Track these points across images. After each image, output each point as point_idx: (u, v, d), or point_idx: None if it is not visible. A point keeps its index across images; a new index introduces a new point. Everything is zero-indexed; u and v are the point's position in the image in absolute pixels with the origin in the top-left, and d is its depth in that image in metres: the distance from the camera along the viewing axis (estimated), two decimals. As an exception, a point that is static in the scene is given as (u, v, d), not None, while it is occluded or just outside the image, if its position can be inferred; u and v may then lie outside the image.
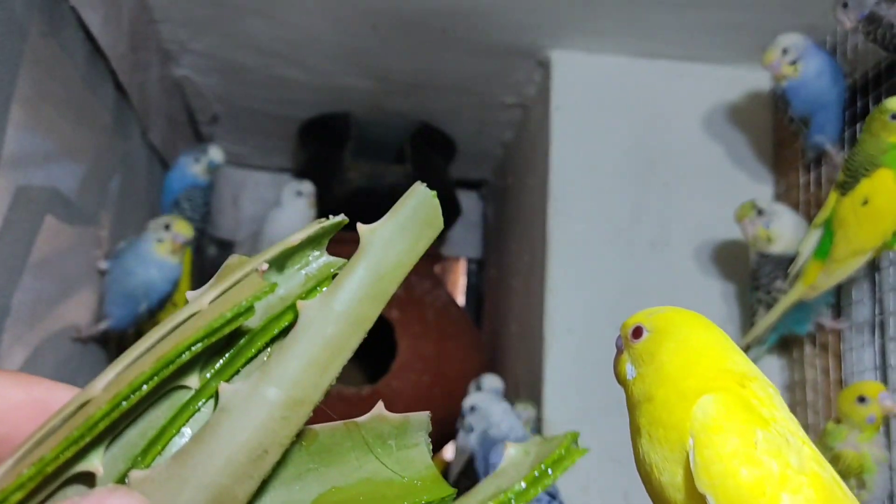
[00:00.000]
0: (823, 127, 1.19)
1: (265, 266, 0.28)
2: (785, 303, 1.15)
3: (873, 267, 1.16)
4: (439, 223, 0.29)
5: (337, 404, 1.47)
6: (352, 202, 1.62)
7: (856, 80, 1.20)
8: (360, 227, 0.28)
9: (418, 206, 0.29)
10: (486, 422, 1.02)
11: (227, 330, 0.26)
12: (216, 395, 0.27)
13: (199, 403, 0.27)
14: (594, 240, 1.34)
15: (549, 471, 0.27)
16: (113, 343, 1.24)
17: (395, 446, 0.29)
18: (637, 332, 0.48)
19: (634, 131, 1.39)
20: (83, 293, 1.15)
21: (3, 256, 0.89)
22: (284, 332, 0.28)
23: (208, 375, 0.27)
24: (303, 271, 0.29)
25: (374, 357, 1.66)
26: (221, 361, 0.28)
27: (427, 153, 1.72)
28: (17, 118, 0.90)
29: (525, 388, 1.38)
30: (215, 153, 1.42)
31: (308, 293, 0.29)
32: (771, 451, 0.42)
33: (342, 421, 0.29)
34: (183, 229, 1.17)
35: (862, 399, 1.00)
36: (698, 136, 1.39)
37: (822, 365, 1.22)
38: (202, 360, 0.27)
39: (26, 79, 0.91)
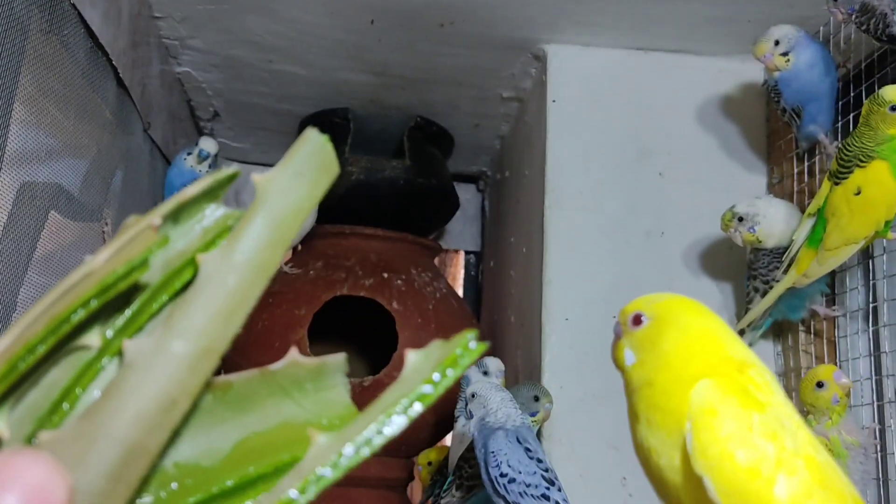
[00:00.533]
0: (816, 117, 1.20)
1: (158, 221, 0.27)
2: (777, 290, 1.17)
3: (867, 255, 1.18)
4: (334, 167, 0.29)
5: (338, 395, 1.48)
6: (351, 196, 1.64)
7: (849, 71, 1.21)
8: (254, 176, 0.28)
9: (312, 151, 0.28)
10: (483, 409, 1.04)
11: (121, 286, 0.26)
12: (121, 353, 0.26)
13: (104, 361, 0.27)
14: (590, 230, 1.35)
15: (449, 371, 0.27)
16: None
17: (313, 389, 0.29)
18: (637, 320, 0.49)
19: (630, 123, 1.40)
20: (87, 287, 1.17)
21: (7, 252, 0.91)
22: (186, 286, 0.28)
23: (110, 334, 0.27)
24: (199, 225, 0.29)
25: (375, 349, 1.67)
26: (123, 319, 0.28)
27: (425, 147, 1.73)
28: (20, 115, 0.92)
29: (524, 376, 1.40)
30: (205, 143, 1.44)
31: (206, 246, 0.29)
32: (767, 434, 0.42)
33: (257, 369, 0.29)
34: None
35: (820, 384, 1.02)
36: (693, 127, 1.41)
37: (816, 352, 1.23)
38: (102, 318, 0.27)
39: (28, 76, 0.93)
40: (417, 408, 0.27)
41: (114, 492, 0.25)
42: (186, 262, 0.28)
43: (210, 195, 0.29)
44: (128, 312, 0.28)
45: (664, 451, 0.44)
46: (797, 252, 1.14)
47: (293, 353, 0.29)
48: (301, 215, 0.28)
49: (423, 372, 0.27)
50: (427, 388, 0.27)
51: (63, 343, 0.26)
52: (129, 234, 0.28)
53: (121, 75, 1.23)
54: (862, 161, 1.03)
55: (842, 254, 1.08)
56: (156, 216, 0.28)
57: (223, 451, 0.28)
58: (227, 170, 0.29)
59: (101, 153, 1.20)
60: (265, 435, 0.28)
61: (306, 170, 0.28)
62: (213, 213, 0.29)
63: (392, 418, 0.26)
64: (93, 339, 0.27)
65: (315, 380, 0.29)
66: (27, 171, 0.96)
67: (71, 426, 0.26)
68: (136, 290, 0.27)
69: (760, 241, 1.20)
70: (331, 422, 0.29)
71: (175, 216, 0.28)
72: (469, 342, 0.27)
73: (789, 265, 1.16)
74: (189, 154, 1.44)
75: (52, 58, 1.01)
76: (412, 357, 0.28)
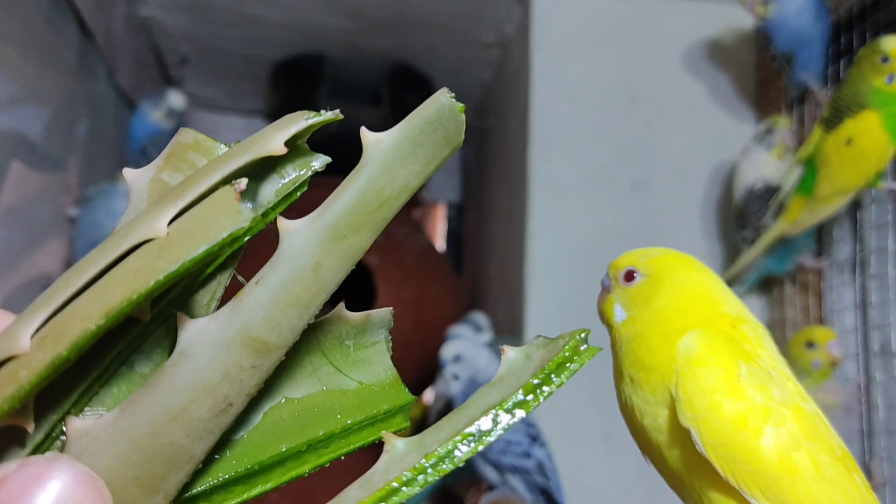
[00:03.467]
0: (807, 64, 1.17)
1: (244, 184, 0.23)
2: (767, 238, 1.15)
3: (855, 205, 1.16)
4: (460, 139, 0.24)
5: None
6: (327, 146, 1.59)
7: (840, 16, 1.18)
8: (365, 134, 0.23)
9: (439, 117, 0.23)
10: (472, 368, 1.02)
11: (194, 271, 0.22)
12: (174, 331, 0.22)
13: (150, 336, 0.23)
14: (575, 181, 1.32)
15: (554, 376, 0.24)
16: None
17: (353, 346, 0.26)
18: (629, 276, 0.47)
19: (616, 70, 1.36)
20: (53, 241, 1.12)
21: (-34, 204, 0.86)
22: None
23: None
24: (281, 179, 0.25)
25: (353, 303, 1.65)
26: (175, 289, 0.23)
27: (404, 94, 1.68)
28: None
29: (506, 330, 1.38)
30: (175, 98, 1.37)
31: (282, 202, 0.24)
32: (754, 385, 0.42)
33: None
34: None
35: (810, 344, 1.01)
36: (681, 74, 1.37)
37: (802, 304, 1.22)
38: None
39: (-17, 17, 0.87)
40: (515, 417, 0.23)
41: (147, 502, 0.21)
42: (257, 220, 0.23)
43: (297, 143, 0.24)
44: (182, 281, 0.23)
45: (648, 410, 0.43)
46: (785, 199, 1.12)
47: (340, 308, 0.26)
48: (408, 193, 0.24)
49: (523, 375, 0.24)
50: (528, 397, 0.24)
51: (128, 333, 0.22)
52: (196, 179, 0.22)
53: (84, 18, 1.17)
54: (852, 110, 1.01)
55: (833, 204, 1.06)
56: (238, 172, 0.22)
57: (254, 422, 0.24)
58: (326, 114, 0.24)
59: (65, 100, 1.14)
60: (298, 403, 0.25)
61: (427, 140, 0.23)
62: (295, 163, 0.25)
63: (483, 430, 0.23)
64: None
65: (357, 335, 0.26)
66: (-16, 119, 0.91)
67: (108, 421, 0.21)
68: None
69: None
70: (369, 388, 0.26)
71: (257, 171, 0.23)
72: (580, 345, 0.24)
73: (778, 211, 1.14)
74: (156, 106, 1.37)
75: (11, 0, 0.95)
76: (511, 356, 0.24)
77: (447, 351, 1.04)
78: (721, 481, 0.41)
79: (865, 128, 1.00)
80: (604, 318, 0.48)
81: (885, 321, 1.08)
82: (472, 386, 1.01)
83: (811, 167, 1.08)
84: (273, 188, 0.24)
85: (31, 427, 0.21)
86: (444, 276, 1.60)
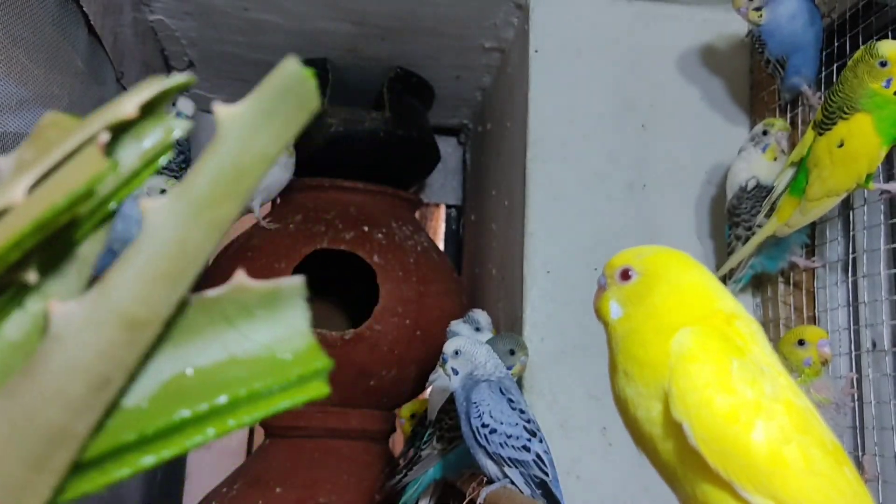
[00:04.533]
0: (800, 68, 1.20)
1: (106, 136, 0.23)
2: (759, 237, 1.17)
3: (847, 205, 1.18)
4: (313, 102, 0.24)
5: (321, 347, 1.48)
6: (330, 148, 1.62)
7: (833, 21, 1.20)
8: (217, 109, 0.24)
9: (288, 84, 0.24)
10: (471, 364, 1.04)
11: (62, 220, 0.22)
12: (45, 316, 0.22)
13: (28, 312, 0.23)
14: (572, 183, 1.35)
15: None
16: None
17: (264, 315, 0.25)
18: (625, 274, 0.48)
19: (613, 74, 1.39)
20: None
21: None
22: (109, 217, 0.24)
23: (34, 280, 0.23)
24: (142, 142, 0.25)
25: (356, 301, 1.67)
26: (53, 271, 0.23)
27: (405, 99, 1.71)
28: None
29: (505, 329, 1.40)
30: (184, 105, 1.39)
31: (145, 168, 0.24)
32: (746, 380, 0.42)
33: (194, 294, 0.25)
34: None
35: (801, 343, 1.03)
36: (676, 78, 1.40)
37: (795, 303, 1.24)
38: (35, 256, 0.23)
39: (-4, 22, 0.89)
40: None
41: (37, 482, 0.22)
42: (120, 186, 0.24)
43: (154, 106, 0.25)
44: (46, 252, 0.23)
45: (641, 403, 0.44)
46: (778, 199, 1.15)
47: (239, 276, 0.25)
48: (266, 161, 0.24)
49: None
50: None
51: None
52: (59, 143, 0.22)
53: (92, 23, 1.19)
54: (846, 112, 1.03)
55: (824, 205, 1.08)
56: (102, 131, 0.23)
57: (150, 389, 0.24)
58: (176, 78, 0.25)
59: (73, 103, 1.17)
60: (204, 371, 0.24)
61: (279, 107, 0.24)
62: (155, 127, 0.25)
63: None
64: (30, 277, 0.23)
65: (267, 306, 0.25)
66: (-3, 121, 0.94)
67: None
68: (74, 223, 0.23)
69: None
70: (282, 355, 0.25)
71: (115, 130, 0.24)
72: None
73: (770, 211, 1.16)
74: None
75: (20, 4, 0.97)
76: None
77: (448, 346, 1.06)
78: (712, 474, 0.41)
79: (857, 130, 1.02)
80: (600, 315, 0.49)
81: (875, 320, 1.10)
82: (472, 381, 1.03)
83: (803, 169, 1.10)
84: (135, 154, 0.24)
85: None
86: (445, 274, 1.62)
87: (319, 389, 0.26)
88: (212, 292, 0.25)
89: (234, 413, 0.25)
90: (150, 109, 0.24)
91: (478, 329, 1.27)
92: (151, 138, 0.25)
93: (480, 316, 1.30)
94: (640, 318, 0.46)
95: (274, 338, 0.25)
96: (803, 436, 0.42)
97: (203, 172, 0.23)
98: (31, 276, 0.23)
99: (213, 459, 1.95)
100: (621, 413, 0.47)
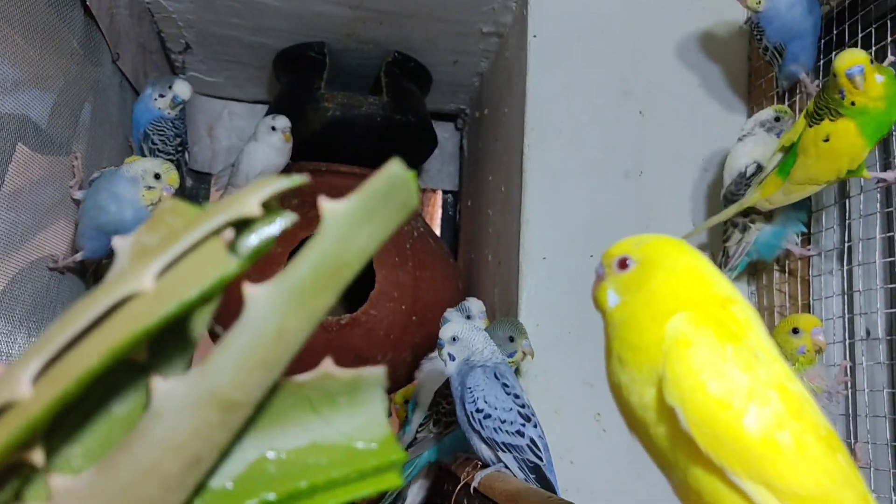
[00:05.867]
0: (798, 56, 1.19)
1: (231, 235, 0.24)
2: (739, 206, 1.18)
3: (843, 194, 1.18)
4: (413, 203, 0.26)
5: (316, 332, 1.47)
6: (327, 132, 1.61)
7: (832, 8, 1.20)
8: (322, 203, 0.25)
9: (392, 185, 0.25)
10: (468, 350, 1.04)
11: (184, 313, 0.23)
12: (148, 392, 0.23)
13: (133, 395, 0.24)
14: (569, 169, 1.35)
15: None
16: (90, 271, 1.24)
17: (346, 403, 0.26)
18: (623, 263, 0.48)
19: (610, 61, 1.38)
20: (59, 223, 1.15)
21: (-25, 183, 0.89)
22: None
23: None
24: (253, 235, 0.26)
25: (352, 286, 1.67)
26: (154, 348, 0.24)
27: (403, 83, 1.70)
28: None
29: (501, 315, 1.41)
30: (181, 88, 1.38)
31: (252, 257, 0.25)
32: (740, 365, 0.43)
33: (284, 378, 0.26)
34: (174, 181, 1.13)
35: (796, 331, 1.04)
36: (674, 65, 1.39)
37: (790, 291, 1.25)
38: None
39: (-9, 2, 0.89)
40: None
41: None
42: (227, 277, 0.24)
43: (271, 206, 0.25)
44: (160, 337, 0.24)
45: (634, 389, 0.44)
46: (765, 177, 1.15)
47: (327, 364, 0.26)
48: (365, 256, 0.25)
49: None
50: None
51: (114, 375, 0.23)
52: (182, 234, 0.23)
53: (88, 4, 1.19)
54: (832, 116, 1.04)
55: (805, 190, 1.09)
56: (226, 224, 0.24)
57: (236, 470, 0.25)
58: (294, 178, 0.26)
59: (69, 84, 1.16)
60: (286, 456, 0.25)
61: (381, 206, 0.25)
62: (265, 223, 0.26)
63: None
64: (141, 356, 0.24)
65: (349, 393, 0.26)
66: (-8, 102, 0.93)
67: (88, 478, 0.23)
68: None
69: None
70: (361, 444, 0.26)
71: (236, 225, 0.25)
72: None
73: (756, 187, 1.17)
74: (161, 96, 1.38)
75: (14, -17, 0.97)
76: None
77: (445, 332, 1.06)
78: (704, 459, 0.41)
79: (843, 132, 1.03)
80: (597, 304, 0.49)
81: (870, 308, 1.10)
82: (468, 367, 1.03)
83: (792, 152, 1.11)
84: (246, 244, 0.26)
85: (40, 460, 0.23)
86: (441, 260, 1.62)
87: (395, 481, 0.27)
88: (300, 378, 0.26)
89: (312, 498, 0.25)
90: (266, 206, 0.25)
91: (468, 317, 1.27)
92: (262, 233, 0.26)
93: (473, 304, 1.29)
94: (637, 305, 0.46)
95: (354, 427, 0.26)
96: (797, 421, 0.42)
97: (305, 263, 0.24)
98: (142, 356, 0.24)
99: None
100: (616, 399, 0.47)
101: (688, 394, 0.42)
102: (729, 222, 1.24)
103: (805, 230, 1.21)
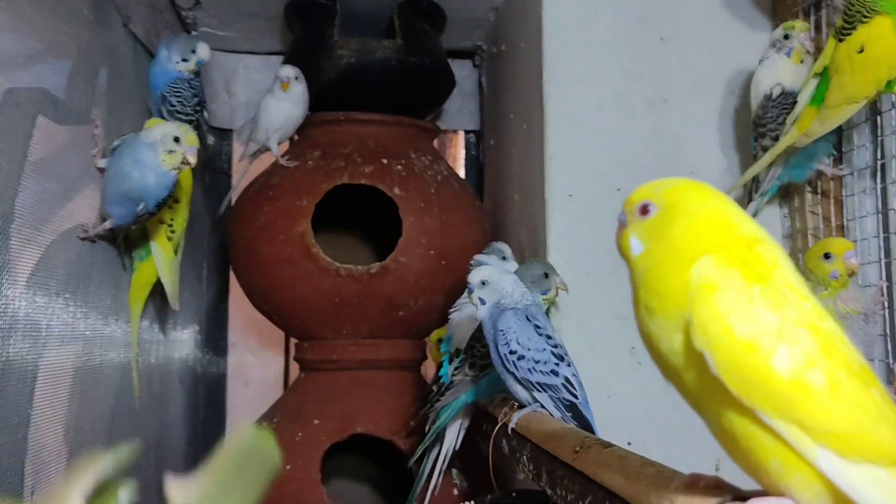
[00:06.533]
0: (823, -33, 1.15)
1: None
2: (778, 148, 1.15)
3: (874, 111, 1.15)
4: (274, 460, 0.26)
5: (348, 283, 1.50)
6: (343, 81, 1.59)
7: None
8: (169, 493, 0.24)
9: (245, 452, 0.25)
10: (497, 293, 1.04)
11: None
12: None
13: None
14: (591, 102, 1.32)
15: None
16: (120, 238, 1.25)
17: None
18: (644, 209, 0.48)
19: (628, -14, 1.34)
20: (85, 192, 1.15)
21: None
22: None
23: None
24: None
25: (380, 235, 1.68)
26: None
27: (416, 24, 1.67)
28: (-6, 18, 0.88)
29: (529, 254, 1.40)
30: (204, 51, 1.37)
31: None
32: (768, 306, 0.42)
33: None
34: (194, 142, 1.13)
35: (827, 256, 1.02)
36: (694, -15, 1.35)
37: (823, 212, 1.23)
38: None
39: (-4, -25, 0.88)
40: None
41: None
42: None
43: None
44: None
45: (663, 336, 0.45)
46: (799, 111, 1.12)
47: None
48: None
49: None
50: None
51: None
52: None
53: (93, -33, 1.17)
54: (865, 16, 1.00)
55: (843, 112, 1.06)
56: None
57: None
58: (120, 453, 0.25)
59: (83, 53, 1.16)
60: None
61: (238, 473, 0.24)
62: None
63: None
64: None
65: None
66: (8, 78, 0.93)
67: None
68: None
69: None
70: None
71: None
72: None
73: (791, 125, 1.14)
74: (184, 60, 1.36)
75: (18, -47, 0.95)
76: None
77: (474, 276, 1.06)
78: (735, 402, 0.42)
79: (878, 33, 0.99)
80: (621, 251, 0.49)
81: (905, 225, 1.08)
82: (499, 310, 1.03)
83: (825, 78, 1.08)
84: None
85: None
86: (466, 203, 1.62)
87: None
88: None
89: None
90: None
91: (504, 258, 1.28)
92: None
93: (503, 246, 1.30)
94: (661, 252, 0.46)
95: None
96: (828, 359, 0.42)
97: None
98: None
99: (251, 394, 2.00)
100: (647, 347, 0.47)
101: (715, 338, 0.42)
102: (759, 147, 1.21)
103: (834, 152, 1.19)
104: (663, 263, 0.46)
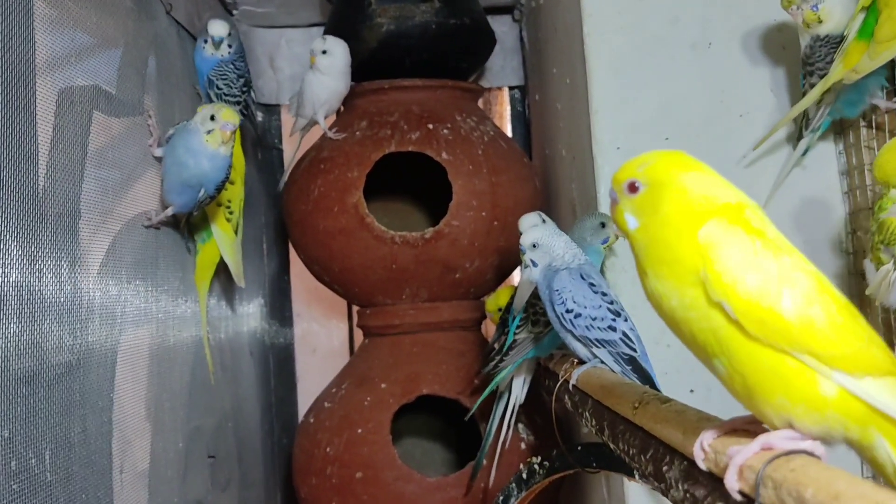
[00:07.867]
0: None
1: None
2: (824, 84, 1.12)
3: (929, 38, 1.11)
4: None
5: (404, 249, 1.52)
6: (384, 48, 1.60)
7: None
8: None
9: None
10: (549, 256, 1.05)
11: None
12: None
13: None
14: (633, 51, 1.30)
15: None
16: (182, 223, 1.30)
17: None
18: (632, 187, 0.53)
19: (665, -72, 1.31)
20: (146, 181, 1.20)
21: (61, 163, 0.93)
22: None
23: None
24: None
25: (433, 199, 1.69)
26: None
27: (454, -15, 1.66)
28: (43, 13, 0.91)
29: (581, 209, 1.40)
30: (213, 27, 1.39)
31: None
32: (769, 256, 0.49)
33: None
34: (230, 117, 1.15)
35: None
36: (734, -79, 1.31)
37: (879, 146, 1.20)
38: None
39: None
40: None
41: None
42: None
43: None
44: None
45: (673, 294, 0.50)
46: (847, 46, 1.09)
47: None
48: None
49: None
50: None
51: None
52: None
53: (133, -41, 1.19)
54: None
55: (894, 46, 1.02)
56: None
57: None
58: None
59: (130, 44, 1.19)
60: None
61: None
62: None
63: None
64: None
65: None
66: (61, 77, 0.97)
67: None
68: None
69: (822, 22, 1.14)
70: None
71: None
72: None
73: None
74: (206, 41, 1.40)
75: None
76: None
77: (526, 239, 1.08)
78: (750, 343, 0.48)
79: None
80: (618, 226, 0.55)
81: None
82: (552, 271, 1.05)
83: (873, 10, 1.04)
84: None
85: None
86: (515, 162, 1.62)
87: None
88: None
89: None
90: None
91: (543, 221, 1.28)
92: None
93: (534, 215, 1.31)
94: (657, 227, 0.52)
95: None
96: (822, 296, 0.49)
97: None
98: None
99: (318, 362, 2.06)
100: (656, 307, 0.53)
101: (731, 288, 0.48)
102: (808, 85, 1.18)
103: (888, 85, 1.15)
104: (663, 236, 0.51)
